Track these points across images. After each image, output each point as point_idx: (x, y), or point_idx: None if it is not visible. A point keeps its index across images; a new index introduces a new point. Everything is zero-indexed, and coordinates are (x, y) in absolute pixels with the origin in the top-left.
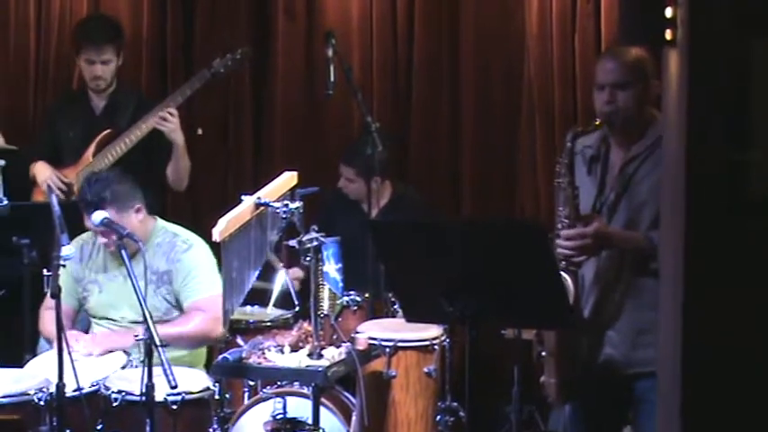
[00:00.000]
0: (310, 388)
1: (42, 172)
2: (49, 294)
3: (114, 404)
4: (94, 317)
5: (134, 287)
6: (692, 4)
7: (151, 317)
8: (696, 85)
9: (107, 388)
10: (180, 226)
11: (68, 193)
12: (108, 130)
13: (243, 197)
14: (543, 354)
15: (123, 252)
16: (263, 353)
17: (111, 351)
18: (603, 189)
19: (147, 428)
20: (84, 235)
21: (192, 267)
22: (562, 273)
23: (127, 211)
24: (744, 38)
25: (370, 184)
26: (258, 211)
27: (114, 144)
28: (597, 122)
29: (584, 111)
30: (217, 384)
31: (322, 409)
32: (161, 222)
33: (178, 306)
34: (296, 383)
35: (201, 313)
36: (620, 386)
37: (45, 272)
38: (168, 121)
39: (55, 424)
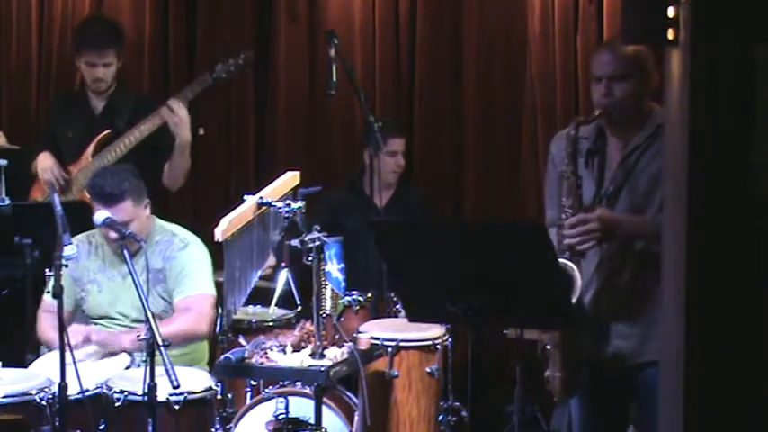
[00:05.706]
0: (312, 388)
1: (44, 161)
2: (50, 295)
3: (117, 404)
4: (92, 317)
5: (136, 287)
6: (693, 4)
7: (153, 316)
8: (698, 85)
9: (109, 388)
10: (179, 225)
11: (68, 190)
12: (107, 131)
13: (245, 197)
14: (548, 347)
15: (126, 252)
16: (266, 353)
17: (106, 347)
18: (602, 182)
19: (150, 428)
20: (81, 235)
21: (185, 265)
22: (567, 261)
23: (141, 205)
24: (745, 38)
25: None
26: (260, 211)
27: (114, 145)
28: (598, 113)
29: (586, 110)
30: (219, 384)
31: (324, 408)
32: (159, 221)
33: (172, 304)
34: (298, 383)
35: (185, 313)
36: (626, 379)
37: (47, 271)
38: (176, 113)
39: (57, 424)
